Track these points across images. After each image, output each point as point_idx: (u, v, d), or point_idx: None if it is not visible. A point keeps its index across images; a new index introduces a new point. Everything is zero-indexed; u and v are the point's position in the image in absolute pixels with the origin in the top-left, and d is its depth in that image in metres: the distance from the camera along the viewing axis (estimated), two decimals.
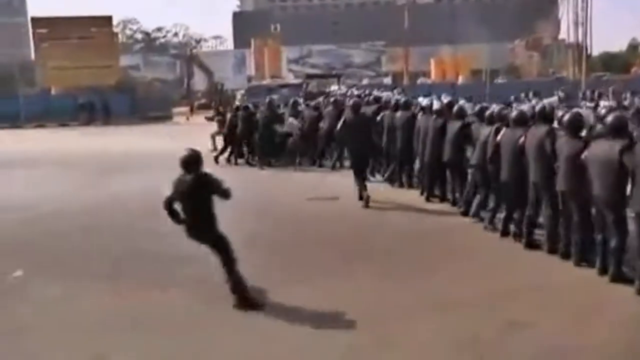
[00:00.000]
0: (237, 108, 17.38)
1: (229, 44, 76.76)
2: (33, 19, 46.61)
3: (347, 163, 13.48)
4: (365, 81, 49.05)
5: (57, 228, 9.53)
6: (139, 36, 76.05)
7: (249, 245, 7.25)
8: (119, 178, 14.52)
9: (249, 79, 49.71)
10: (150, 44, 74.34)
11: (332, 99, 16.89)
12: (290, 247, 8.06)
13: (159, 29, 77.13)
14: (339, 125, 11.43)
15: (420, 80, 47.16)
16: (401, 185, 11.98)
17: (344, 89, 27.90)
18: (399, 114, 11.92)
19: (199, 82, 51.07)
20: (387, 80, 51.08)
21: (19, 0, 78.64)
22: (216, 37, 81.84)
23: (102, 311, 6.01)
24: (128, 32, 73.92)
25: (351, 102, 12.43)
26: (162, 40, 76.84)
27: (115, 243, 8.53)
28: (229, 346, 5.23)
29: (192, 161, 5.90)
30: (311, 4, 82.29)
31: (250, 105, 17.38)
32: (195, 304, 6.06)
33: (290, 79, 44.88)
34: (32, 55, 49.63)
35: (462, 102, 11.10)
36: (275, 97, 20.36)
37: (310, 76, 37.50)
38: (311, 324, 5.57)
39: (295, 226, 9.23)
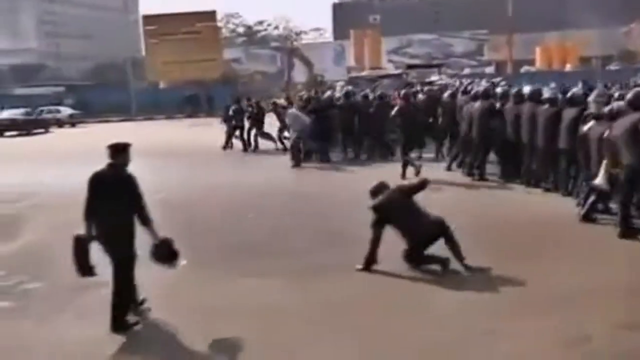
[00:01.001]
0: (309, 99, 17.50)
1: (329, 36, 77.18)
2: (144, 17, 48.97)
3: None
4: (466, 71, 47.82)
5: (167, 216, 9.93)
6: (240, 30, 77.87)
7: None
8: (222, 170, 14.97)
9: (349, 70, 49.64)
10: (252, 37, 75.93)
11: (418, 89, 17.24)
12: None
13: (260, 22, 78.60)
14: (392, 113, 12.73)
15: (524, 69, 45.36)
16: (470, 175, 11.99)
17: (444, 79, 27.40)
18: (477, 103, 11.68)
19: (299, 74, 51.68)
20: (490, 70, 49.58)
21: (132, 0, 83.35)
22: (316, 29, 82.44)
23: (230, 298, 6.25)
24: (231, 26, 75.87)
25: (402, 92, 13.90)
26: (263, 33, 78.26)
27: (223, 235, 8.85)
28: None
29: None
30: None
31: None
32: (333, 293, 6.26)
33: (390, 69, 44.49)
34: (143, 51, 52.17)
35: (577, 88, 10.80)
36: (350, 88, 20.20)
37: (410, 66, 37.03)
38: (422, 313, 5.64)
39: None
